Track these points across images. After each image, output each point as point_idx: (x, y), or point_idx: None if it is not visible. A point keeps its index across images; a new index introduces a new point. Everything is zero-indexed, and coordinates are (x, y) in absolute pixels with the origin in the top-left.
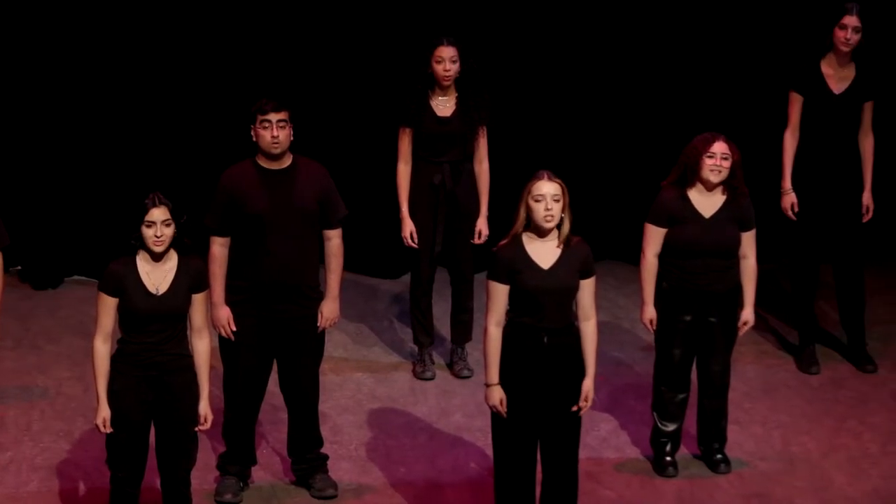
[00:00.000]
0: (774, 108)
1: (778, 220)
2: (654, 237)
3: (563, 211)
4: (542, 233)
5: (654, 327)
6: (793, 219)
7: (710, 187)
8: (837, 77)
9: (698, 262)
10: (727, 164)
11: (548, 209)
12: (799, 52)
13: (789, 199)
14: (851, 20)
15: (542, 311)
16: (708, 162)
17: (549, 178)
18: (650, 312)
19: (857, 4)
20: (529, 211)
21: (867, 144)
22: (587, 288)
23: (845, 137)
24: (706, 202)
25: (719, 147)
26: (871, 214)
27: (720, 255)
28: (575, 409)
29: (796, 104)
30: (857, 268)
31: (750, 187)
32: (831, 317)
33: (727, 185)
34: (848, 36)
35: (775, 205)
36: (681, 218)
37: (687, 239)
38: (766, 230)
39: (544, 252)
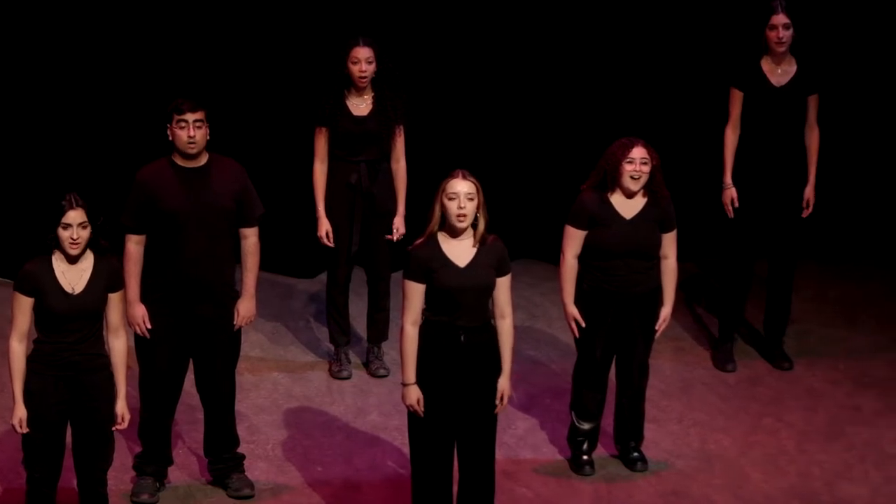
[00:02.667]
0: (695, 110)
1: (709, 216)
2: (575, 239)
3: (477, 210)
4: (455, 232)
5: (579, 324)
6: (731, 215)
7: (630, 194)
8: (777, 72)
9: (619, 263)
10: (646, 168)
11: (461, 207)
12: (737, 49)
13: (730, 194)
14: (779, 18)
15: (459, 309)
16: (627, 168)
17: (464, 177)
18: (573, 310)
19: (782, 0)
20: (444, 209)
21: (812, 139)
22: (503, 286)
23: (787, 132)
24: (627, 204)
25: (638, 152)
26: (811, 209)
27: (641, 256)
28: (493, 408)
29: (736, 100)
30: (789, 265)
31: (673, 187)
32: (748, 313)
33: (647, 188)
34: (780, 35)
35: (701, 203)
36: (601, 220)
37: (608, 241)
38: (688, 229)
39: (460, 250)
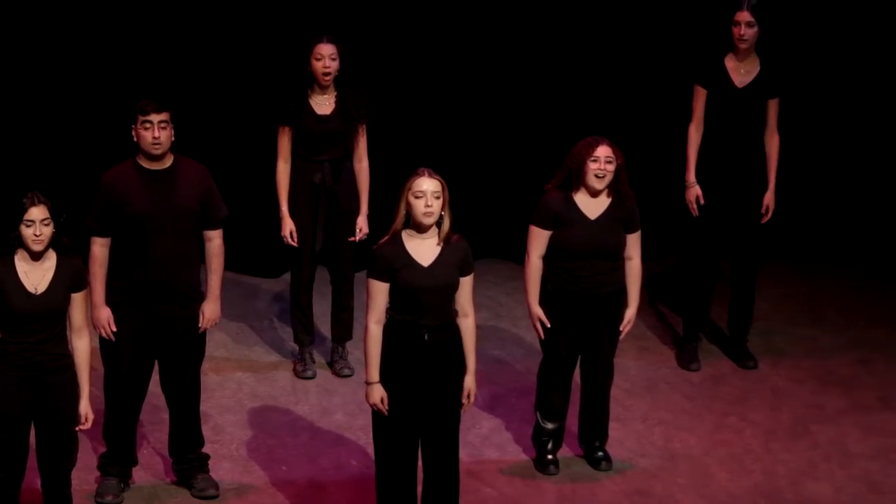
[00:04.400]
0: (660, 108)
1: (672, 216)
2: (539, 239)
3: (443, 208)
4: (421, 230)
5: (544, 325)
6: (695, 213)
7: (594, 193)
8: (741, 71)
9: (584, 264)
10: (611, 167)
11: (428, 206)
12: (703, 47)
13: (694, 191)
14: (743, 16)
15: (423, 308)
16: (592, 166)
17: (430, 175)
18: (538, 311)
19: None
20: (409, 208)
21: (773, 144)
22: (465, 285)
23: (748, 132)
24: (591, 204)
25: (603, 151)
26: (770, 215)
27: (606, 257)
28: (459, 407)
29: (700, 98)
30: (751, 266)
31: (637, 187)
32: (712, 312)
33: (612, 188)
34: (742, 32)
35: (664, 203)
36: (566, 220)
37: (572, 241)
38: (652, 228)
39: (424, 249)
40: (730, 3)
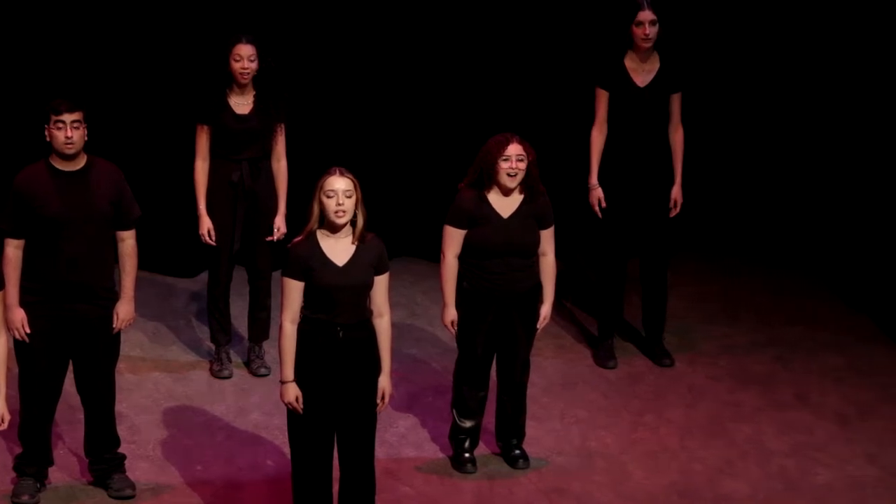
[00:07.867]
0: (573, 106)
1: (581, 215)
2: (454, 239)
3: (356, 207)
4: (335, 229)
5: (455, 329)
6: (599, 216)
7: (507, 191)
8: (641, 70)
9: (498, 261)
10: (522, 165)
11: (339, 204)
12: (601, 49)
13: (596, 194)
14: (646, 15)
15: (337, 307)
16: (503, 165)
17: (341, 174)
18: (451, 314)
19: None
20: (322, 207)
21: (677, 138)
22: (381, 284)
23: (652, 130)
24: (504, 202)
25: (514, 149)
26: (678, 209)
27: (520, 254)
28: (374, 406)
29: (602, 100)
30: (662, 263)
31: (547, 185)
32: (628, 310)
33: (524, 184)
34: (647, 31)
35: (576, 200)
36: (480, 219)
37: (486, 239)
38: (564, 226)
39: (339, 249)
40: (624, 3)
